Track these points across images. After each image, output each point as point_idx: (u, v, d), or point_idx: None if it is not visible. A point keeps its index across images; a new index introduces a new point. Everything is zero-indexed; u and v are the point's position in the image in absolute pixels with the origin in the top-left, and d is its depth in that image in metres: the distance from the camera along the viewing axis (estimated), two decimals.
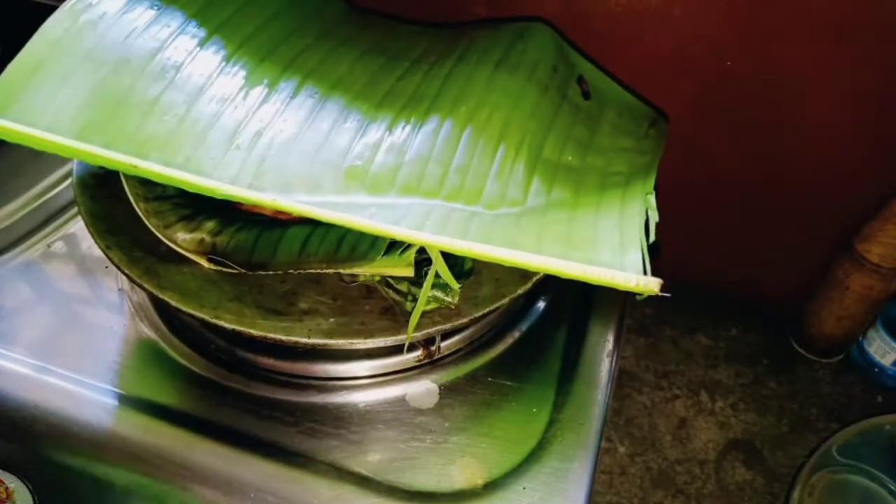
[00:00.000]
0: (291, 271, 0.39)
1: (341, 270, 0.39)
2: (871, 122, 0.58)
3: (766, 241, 0.71)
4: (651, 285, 0.33)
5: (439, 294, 0.38)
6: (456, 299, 0.39)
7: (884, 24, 0.52)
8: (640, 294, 0.33)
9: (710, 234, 0.73)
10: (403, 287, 0.39)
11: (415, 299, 0.38)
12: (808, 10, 0.53)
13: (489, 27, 0.53)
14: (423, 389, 0.43)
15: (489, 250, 0.34)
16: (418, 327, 0.38)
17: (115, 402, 0.42)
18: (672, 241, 0.57)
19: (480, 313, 0.39)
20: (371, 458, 0.39)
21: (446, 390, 0.43)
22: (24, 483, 0.43)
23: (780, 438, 0.67)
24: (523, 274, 0.41)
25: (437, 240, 0.35)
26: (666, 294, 0.32)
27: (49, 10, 0.44)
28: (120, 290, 0.48)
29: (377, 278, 0.40)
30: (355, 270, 0.38)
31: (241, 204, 0.41)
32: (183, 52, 0.41)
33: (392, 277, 0.40)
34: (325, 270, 0.39)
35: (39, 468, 0.43)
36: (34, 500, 0.43)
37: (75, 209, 0.54)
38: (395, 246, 0.38)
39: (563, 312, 0.49)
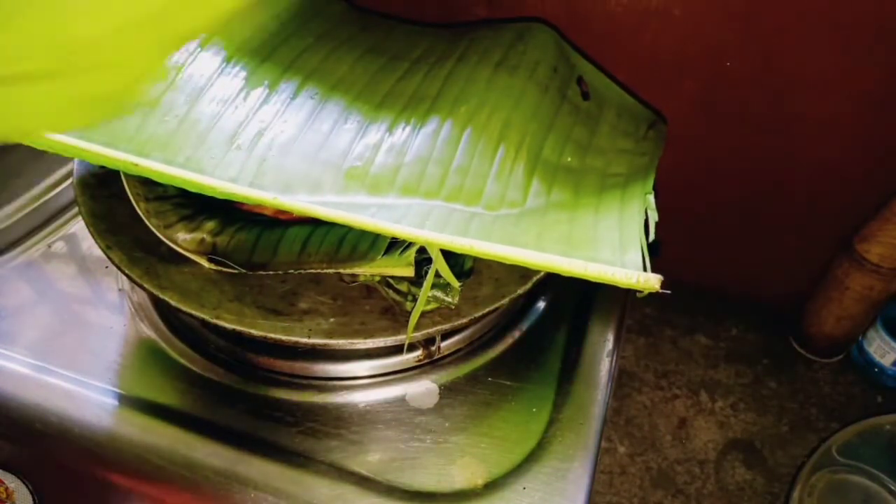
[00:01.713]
0: (291, 271, 0.39)
1: (341, 270, 0.39)
2: (871, 122, 0.58)
3: (766, 241, 0.71)
4: (652, 282, 0.33)
5: (439, 294, 0.38)
6: (456, 299, 0.39)
7: (883, 24, 0.52)
8: (640, 291, 0.33)
9: (710, 234, 0.73)
10: (403, 287, 0.39)
11: (415, 299, 0.38)
12: (808, 10, 0.53)
13: (489, 28, 0.53)
14: (423, 389, 0.43)
15: (490, 247, 0.34)
16: (418, 327, 0.38)
17: (116, 402, 0.42)
18: (672, 241, 0.57)
19: (480, 313, 0.39)
20: (371, 458, 0.39)
21: (446, 390, 0.43)
22: (24, 483, 0.43)
23: (780, 438, 0.68)
24: (523, 274, 0.41)
25: (438, 237, 0.35)
26: (666, 291, 0.32)
27: None
28: (120, 290, 0.48)
29: (377, 278, 0.40)
30: (355, 270, 0.38)
31: (242, 204, 0.41)
32: (184, 54, 0.41)
33: (392, 277, 0.40)
34: (325, 270, 0.39)
35: (39, 468, 0.43)
36: (34, 500, 0.43)
37: (76, 209, 0.54)
38: (395, 246, 0.38)
39: (563, 312, 0.49)
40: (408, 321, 0.38)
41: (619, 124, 0.51)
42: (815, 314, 0.71)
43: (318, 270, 0.39)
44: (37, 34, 0.35)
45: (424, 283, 0.37)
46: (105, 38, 0.38)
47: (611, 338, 0.47)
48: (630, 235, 0.37)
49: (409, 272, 0.38)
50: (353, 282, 0.41)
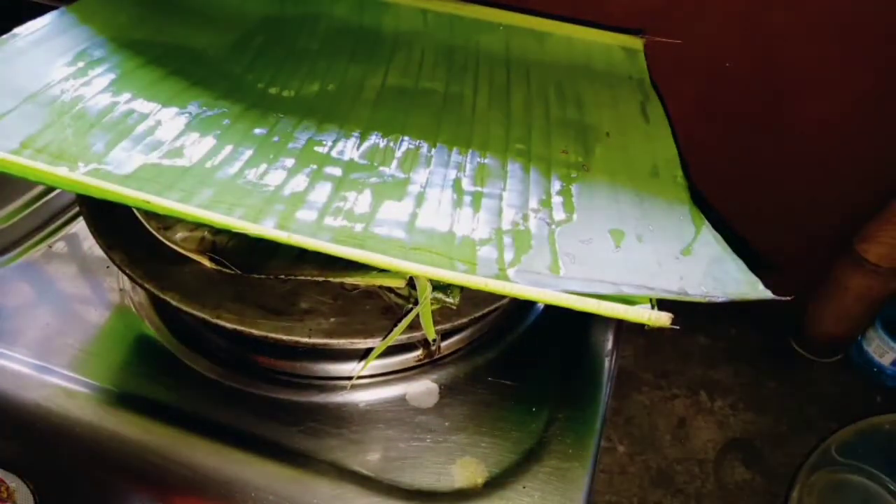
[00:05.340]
0: (282, 277, 0.39)
1: (331, 279, 0.39)
2: (871, 122, 0.58)
3: (766, 240, 0.71)
4: (663, 319, 0.32)
5: (440, 295, 0.38)
6: (457, 299, 0.39)
7: (884, 25, 0.52)
8: (648, 326, 0.33)
9: None
10: (405, 291, 0.39)
11: (416, 302, 0.38)
12: (809, 10, 0.53)
13: None
14: (423, 389, 0.43)
15: (487, 282, 0.33)
16: (418, 327, 0.38)
17: (116, 402, 0.42)
18: None
19: (480, 313, 0.39)
20: (371, 458, 0.40)
21: (446, 390, 0.43)
22: (25, 483, 0.43)
23: (780, 438, 0.68)
24: None
25: (429, 271, 0.34)
26: (676, 326, 0.32)
27: (48, 10, 0.44)
28: (121, 290, 0.49)
29: (376, 285, 0.40)
30: (347, 280, 0.39)
31: None
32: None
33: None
34: (316, 278, 0.39)
35: (40, 468, 0.43)
36: (35, 499, 0.43)
37: (77, 209, 0.54)
38: None
39: (562, 312, 0.49)
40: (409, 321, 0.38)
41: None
42: (815, 314, 0.71)
43: (310, 278, 0.39)
44: None
45: (404, 320, 0.36)
46: None
47: (610, 337, 0.47)
48: None
49: (401, 284, 0.38)
50: (355, 289, 0.41)
